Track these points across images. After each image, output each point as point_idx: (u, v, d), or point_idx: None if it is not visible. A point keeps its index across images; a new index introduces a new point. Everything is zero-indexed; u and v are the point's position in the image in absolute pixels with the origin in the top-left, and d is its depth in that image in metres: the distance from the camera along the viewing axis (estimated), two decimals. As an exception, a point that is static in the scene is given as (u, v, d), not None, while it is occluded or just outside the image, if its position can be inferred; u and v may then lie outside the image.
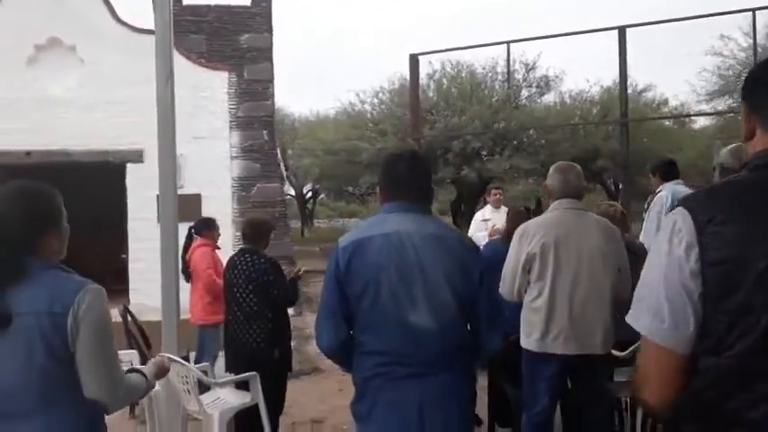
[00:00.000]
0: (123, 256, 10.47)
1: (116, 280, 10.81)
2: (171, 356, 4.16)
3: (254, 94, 10.26)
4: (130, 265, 9.77)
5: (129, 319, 5.53)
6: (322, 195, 35.56)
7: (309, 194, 35.83)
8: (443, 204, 35.29)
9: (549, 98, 23.39)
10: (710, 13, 9.98)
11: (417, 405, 1.93)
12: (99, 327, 1.83)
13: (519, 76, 22.66)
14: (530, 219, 3.60)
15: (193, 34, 10.27)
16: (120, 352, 2.10)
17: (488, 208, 7.32)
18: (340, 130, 21.22)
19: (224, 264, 5.39)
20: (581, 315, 2.97)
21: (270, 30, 10.49)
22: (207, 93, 10.00)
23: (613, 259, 3.04)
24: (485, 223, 7.10)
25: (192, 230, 5.60)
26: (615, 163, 19.06)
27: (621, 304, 3.12)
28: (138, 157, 9.77)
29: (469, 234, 7.27)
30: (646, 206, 5.21)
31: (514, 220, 4.56)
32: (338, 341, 2.05)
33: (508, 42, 10.70)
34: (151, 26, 10.06)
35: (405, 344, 1.95)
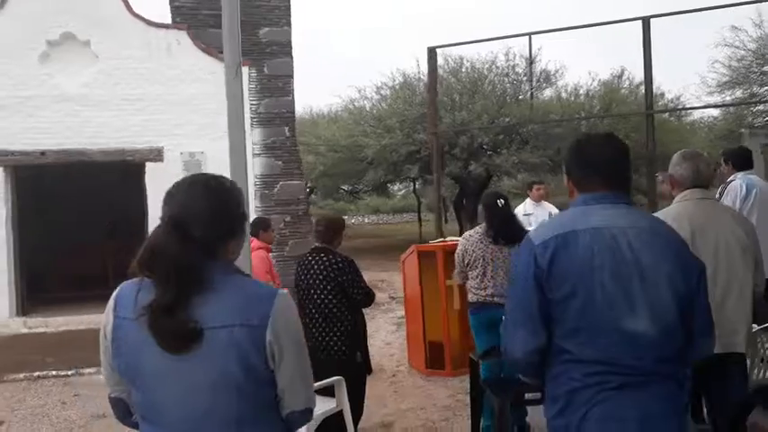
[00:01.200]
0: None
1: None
2: None
3: (274, 90, 10.00)
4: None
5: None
6: (312, 195, 35.25)
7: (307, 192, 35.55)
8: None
9: (549, 93, 23.25)
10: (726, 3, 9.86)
11: (637, 419, 1.73)
12: (299, 337, 1.62)
13: (519, 71, 22.52)
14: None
15: (212, 28, 9.97)
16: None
17: (529, 202, 7.18)
18: (344, 128, 20.95)
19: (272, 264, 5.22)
20: (720, 312, 2.79)
21: (289, 23, 10.23)
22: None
23: (752, 253, 2.87)
24: (527, 218, 6.97)
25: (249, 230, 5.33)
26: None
27: (758, 301, 2.97)
28: (157, 155, 9.47)
29: None
30: (717, 195, 5.07)
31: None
32: (537, 348, 1.83)
33: (530, 34, 10.57)
34: (167, 20, 9.76)
35: (621, 351, 1.75)
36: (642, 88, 23.19)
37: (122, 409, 1.68)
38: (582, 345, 1.78)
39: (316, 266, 4.08)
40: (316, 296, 4.04)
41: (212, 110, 9.62)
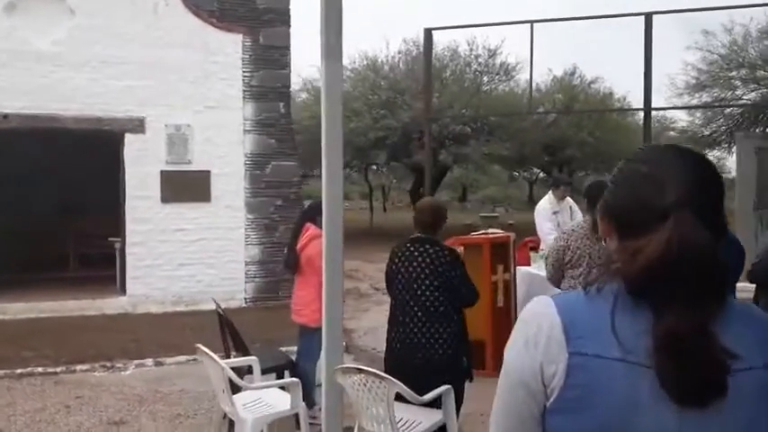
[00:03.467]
0: (111, 239, 9.20)
1: (105, 266, 9.55)
2: (208, 352, 3.61)
3: (269, 62, 9.21)
4: (127, 250, 8.53)
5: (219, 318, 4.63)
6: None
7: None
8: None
9: (508, 85, 23.30)
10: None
11: None
12: None
13: (481, 61, 22.46)
14: None
15: (203, -11, 9.07)
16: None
17: (553, 200, 6.90)
18: (305, 107, 20.14)
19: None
20: None
21: (288, -10, 9.46)
22: (219, 57, 8.87)
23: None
24: (555, 216, 6.73)
25: (304, 216, 4.69)
26: (583, 153, 19.35)
27: None
28: (138, 126, 8.52)
29: (537, 225, 6.83)
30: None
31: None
32: None
33: (531, 22, 10.24)
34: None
35: None
36: (595, 86, 23.80)
37: None
38: None
39: (420, 258, 3.56)
40: (420, 292, 3.54)
41: (199, 78, 8.78)
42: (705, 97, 15.65)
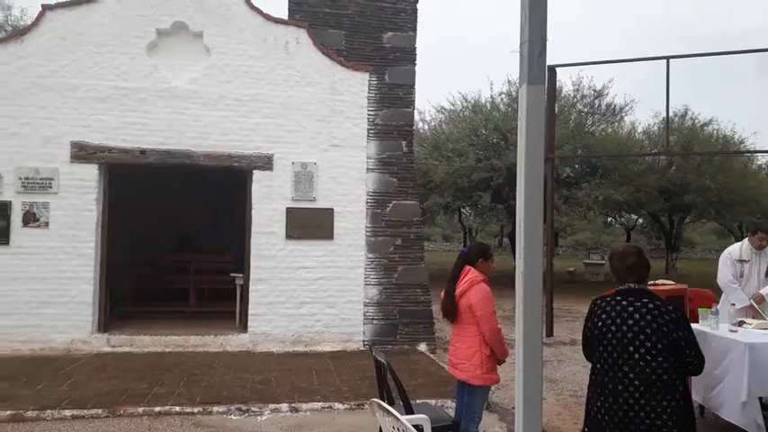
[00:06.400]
0: (233, 275, 9.20)
1: (224, 301, 9.57)
2: (389, 409, 3.20)
3: (394, 100, 9.08)
4: (251, 287, 8.46)
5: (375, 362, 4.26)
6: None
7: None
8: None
9: (611, 127, 22.27)
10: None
11: None
12: None
13: (587, 102, 21.75)
14: None
15: (332, 29, 9.11)
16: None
17: (747, 247, 6.01)
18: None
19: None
20: None
21: (414, 28, 9.34)
22: (345, 96, 8.82)
23: None
24: (740, 264, 5.91)
25: (465, 259, 4.30)
26: (706, 199, 17.94)
27: None
28: (266, 163, 8.53)
29: (719, 271, 6.06)
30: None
31: None
32: None
33: (668, 58, 9.62)
34: (285, 15, 8.91)
35: None
36: (710, 128, 22.25)
37: None
38: None
39: (637, 315, 3.04)
40: (638, 355, 3.00)
41: (326, 116, 8.74)
42: None
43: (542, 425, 2.80)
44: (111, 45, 8.27)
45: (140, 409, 5.43)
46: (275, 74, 8.65)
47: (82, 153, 8.11)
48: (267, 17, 8.69)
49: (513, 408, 6.08)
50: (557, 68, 10.70)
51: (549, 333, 10.25)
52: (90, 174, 8.13)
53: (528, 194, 2.52)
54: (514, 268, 2.66)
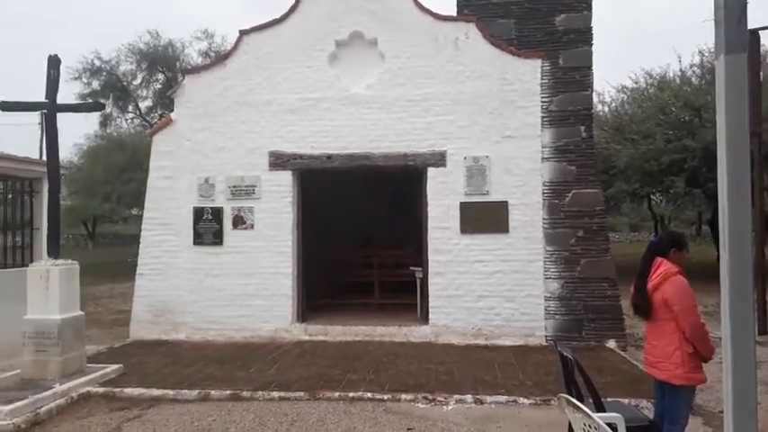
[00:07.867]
0: (412, 268, 9.55)
1: (406, 294, 9.98)
2: (580, 405, 3.00)
3: (570, 84, 8.73)
4: (430, 280, 8.72)
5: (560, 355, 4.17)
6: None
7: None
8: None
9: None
10: None
11: None
12: None
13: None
14: None
15: (501, 19, 9.04)
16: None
17: None
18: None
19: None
20: None
21: (589, 7, 8.91)
22: (516, 85, 8.68)
23: None
24: None
25: (655, 250, 4.02)
26: None
27: None
28: (439, 160, 8.72)
29: None
30: None
31: None
32: None
33: None
34: (453, 11, 8.99)
35: None
36: None
37: None
38: None
39: None
40: None
41: (497, 109, 8.67)
42: None
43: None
44: (297, 60, 9.05)
45: (336, 394, 5.91)
46: (445, 71, 8.80)
47: (278, 161, 9.00)
48: (436, 16, 8.87)
49: (721, 411, 5.53)
50: (759, 32, 9.44)
51: (762, 331, 9.11)
52: (285, 179, 8.99)
53: (731, 175, 2.29)
54: (717, 259, 2.44)
